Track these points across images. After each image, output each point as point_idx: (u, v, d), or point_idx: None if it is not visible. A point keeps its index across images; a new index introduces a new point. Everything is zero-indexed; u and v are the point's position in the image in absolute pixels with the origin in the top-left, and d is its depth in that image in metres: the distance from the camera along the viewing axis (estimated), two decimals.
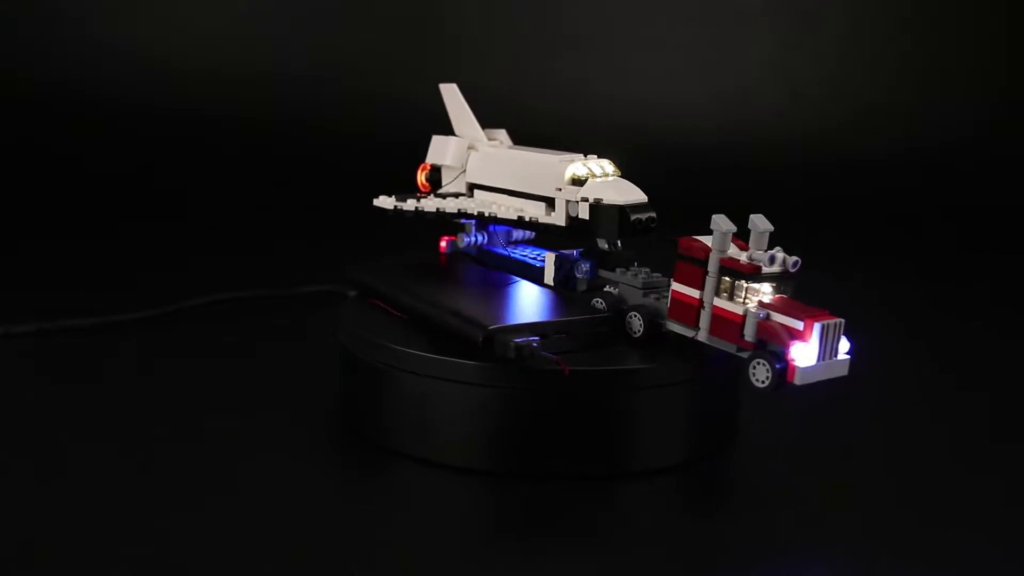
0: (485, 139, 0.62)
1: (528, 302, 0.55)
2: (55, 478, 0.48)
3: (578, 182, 0.55)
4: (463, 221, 0.62)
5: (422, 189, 0.64)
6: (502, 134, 0.63)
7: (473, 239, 0.63)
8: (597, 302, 0.53)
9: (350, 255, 0.61)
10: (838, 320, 0.45)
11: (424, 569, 0.41)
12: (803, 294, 0.47)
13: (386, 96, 1.33)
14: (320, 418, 0.56)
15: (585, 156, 0.56)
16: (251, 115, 1.37)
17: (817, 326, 0.44)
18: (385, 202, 0.60)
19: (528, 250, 0.62)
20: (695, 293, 0.48)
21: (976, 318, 0.85)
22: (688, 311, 0.48)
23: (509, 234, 0.63)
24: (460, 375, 0.49)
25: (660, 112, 1.44)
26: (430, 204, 0.59)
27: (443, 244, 0.64)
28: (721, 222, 0.47)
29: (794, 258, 0.46)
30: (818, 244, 1.11)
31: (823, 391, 0.64)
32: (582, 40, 1.50)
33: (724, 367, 0.52)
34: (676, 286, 0.49)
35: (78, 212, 1.13)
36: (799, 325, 0.44)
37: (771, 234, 0.47)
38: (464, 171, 0.61)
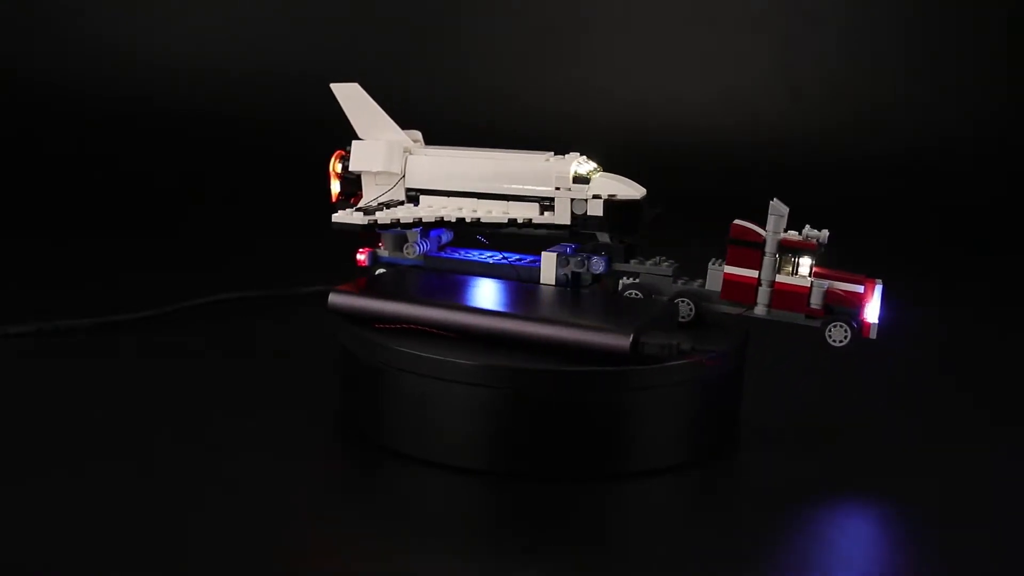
0: (411, 141, 0.59)
1: (596, 303, 0.54)
2: (54, 478, 0.48)
3: (582, 180, 0.55)
4: (414, 230, 0.59)
5: (334, 200, 0.60)
6: (418, 135, 0.60)
7: (421, 247, 0.59)
8: (633, 293, 0.55)
9: (350, 255, 0.61)
10: (880, 280, 0.52)
11: (424, 569, 0.41)
12: None
13: (386, 97, 1.33)
14: (320, 418, 0.56)
15: (554, 154, 0.57)
16: (251, 115, 1.37)
17: (878, 287, 0.51)
18: (354, 218, 0.56)
19: (476, 253, 0.60)
20: (752, 273, 0.52)
21: (977, 319, 0.85)
22: (745, 290, 0.53)
23: (440, 239, 0.61)
24: (460, 375, 0.48)
25: (660, 112, 1.44)
26: (406, 214, 0.57)
27: (362, 257, 0.60)
28: (779, 207, 0.52)
29: (826, 231, 0.52)
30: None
31: (821, 391, 0.64)
32: (582, 40, 1.50)
33: (724, 367, 0.52)
34: (730, 269, 0.53)
35: (77, 212, 1.13)
36: (860, 288, 0.51)
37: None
38: (403, 177, 0.58)
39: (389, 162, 0.58)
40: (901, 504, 0.49)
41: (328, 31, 1.47)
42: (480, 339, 0.50)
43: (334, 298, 0.54)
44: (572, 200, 0.55)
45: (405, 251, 0.59)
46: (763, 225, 0.52)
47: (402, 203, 0.58)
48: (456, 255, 0.60)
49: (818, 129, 1.42)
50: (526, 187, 0.56)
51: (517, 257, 0.59)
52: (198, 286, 0.78)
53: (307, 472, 0.50)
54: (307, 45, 1.46)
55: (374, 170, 0.58)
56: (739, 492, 0.50)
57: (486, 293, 0.54)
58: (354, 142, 0.59)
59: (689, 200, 0.64)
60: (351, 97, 0.59)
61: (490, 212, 0.57)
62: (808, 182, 1.32)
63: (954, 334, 0.80)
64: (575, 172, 0.55)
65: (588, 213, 0.55)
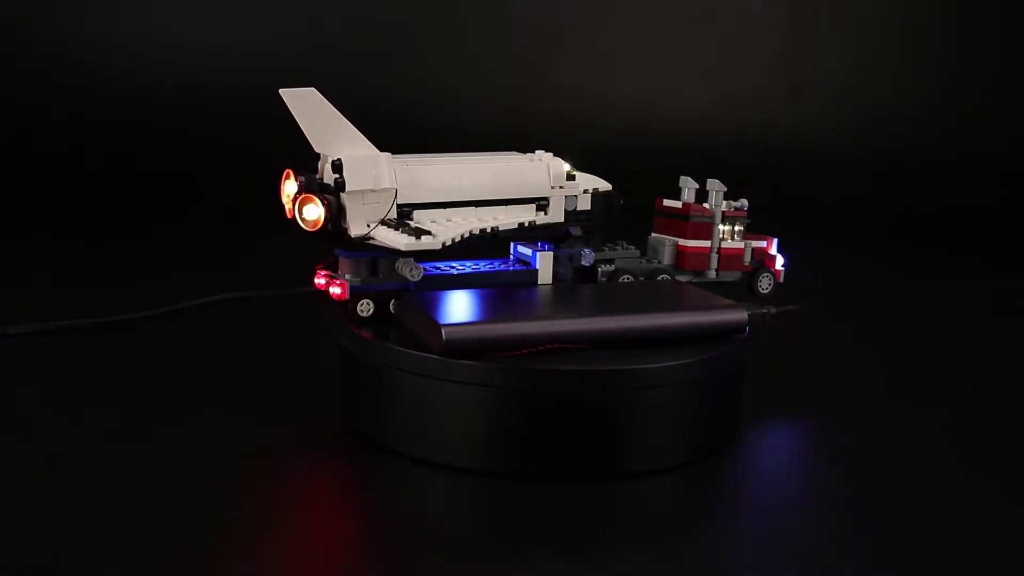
0: (378, 151, 0.53)
1: (635, 290, 0.58)
2: (54, 478, 0.48)
3: (571, 176, 0.57)
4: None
5: (313, 228, 0.51)
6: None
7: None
8: (627, 278, 0.59)
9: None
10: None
11: (424, 569, 0.41)
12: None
13: (385, 98, 1.33)
14: (320, 418, 0.56)
15: (517, 153, 0.57)
16: (251, 115, 1.37)
17: (775, 241, 0.64)
18: (424, 242, 0.50)
19: (444, 265, 0.57)
20: (706, 243, 0.61)
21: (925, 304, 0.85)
22: (701, 259, 0.61)
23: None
24: (460, 375, 0.48)
25: (660, 112, 1.44)
26: (450, 231, 0.52)
27: (338, 291, 0.52)
28: (717, 184, 0.62)
29: (744, 200, 0.63)
30: (818, 244, 1.12)
31: (820, 390, 0.64)
32: (582, 40, 1.50)
33: (724, 367, 0.52)
34: (689, 242, 0.61)
35: (77, 212, 1.13)
36: (764, 244, 0.63)
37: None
38: (396, 192, 0.52)
39: (387, 177, 0.52)
40: (902, 502, 0.49)
41: (328, 32, 1.47)
42: (610, 343, 0.51)
43: (452, 332, 0.48)
44: (565, 197, 0.57)
45: (412, 274, 0.53)
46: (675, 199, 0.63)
47: (395, 220, 0.52)
48: (438, 271, 0.56)
49: (818, 129, 1.42)
50: (520, 191, 0.56)
51: (488, 262, 0.58)
52: (198, 286, 0.78)
53: (307, 472, 0.50)
54: (307, 46, 1.46)
55: (378, 187, 0.51)
56: (739, 492, 0.50)
57: (552, 299, 0.55)
58: (346, 157, 0.51)
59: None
60: (307, 104, 0.51)
61: (497, 218, 0.55)
62: (808, 182, 1.32)
63: (954, 334, 0.80)
64: (567, 170, 0.57)
65: (577, 208, 0.57)
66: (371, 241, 0.51)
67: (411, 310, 0.51)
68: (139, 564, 0.40)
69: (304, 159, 0.53)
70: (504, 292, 0.55)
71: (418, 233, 0.51)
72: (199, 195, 1.22)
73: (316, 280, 0.54)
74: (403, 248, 0.50)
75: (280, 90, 0.51)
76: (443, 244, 0.51)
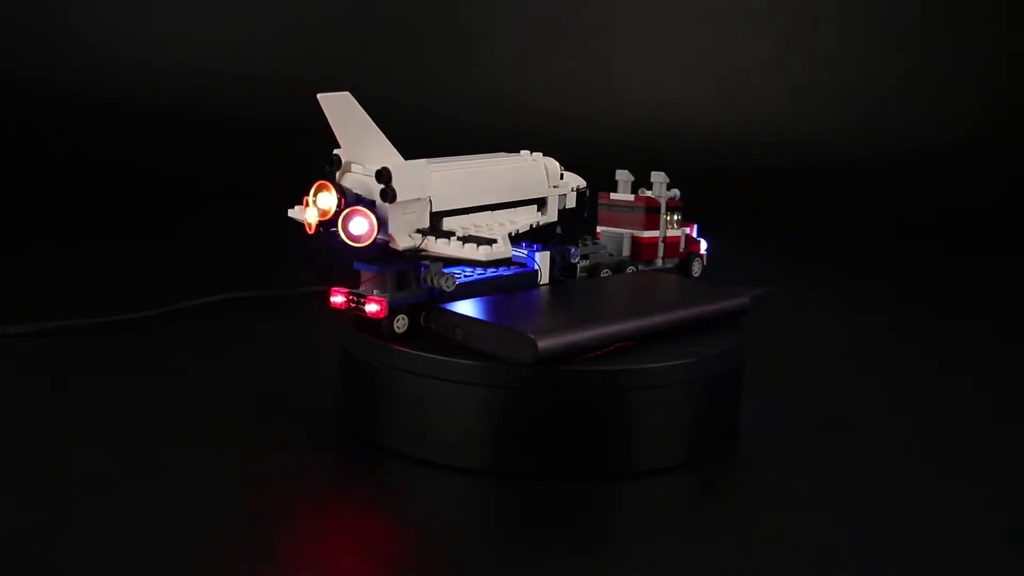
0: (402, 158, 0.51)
1: (630, 281, 0.60)
2: (54, 478, 0.48)
3: (561, 175, 0.57)
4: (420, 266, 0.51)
5: (357, 241, 0.48)
6: None
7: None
8: (605, 271, 0.61)
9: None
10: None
11: (424, 569, 0.41)
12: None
13: (385, 98, 1.33)
14: (320, 418, 0.56)
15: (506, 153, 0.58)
16: (251, 115, 1.37)
17: (695, 226, 0.68)
18: (500, 251, 0.49)
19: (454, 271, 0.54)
20: (657, 233, 0.64)
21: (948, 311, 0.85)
22: (653, 248, 0.65)
23: None
24: (460, 375, 0.48)
25: (660, 112, 1.44)
26: (501, 232, 0.52)
27: (376, 308, 0.49)
28: (661, 176, 0.65)
29: (676, 190, 0.66)
30: (818, 244, 1.12)
31: (820, 389, 0.64)
32: (582, 40, 1.50)
33: (724, 367, 0.52)
34: (645, 233, 0.64)
35: (77, 212, 1.13)
36: (688, 230, 0.67)
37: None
38: (431, 200, 0.51)
39: (428, 184, 0.50)
40: (902, 502, 0.49)
41: (328, 33, 1.47)
42: (656, 337, 0.52)
43: (546, 343, 0.47)
44: (559, 196, 0.57)
45: (447, 284, 0.51)
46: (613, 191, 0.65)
47: (431, 229, 0.50)
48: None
49: (818, 129, 1.42)
50: (526, 192, 0.56)
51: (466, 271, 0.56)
52: (198, 286, 0.78)
53: (307, 473, 0.50)
54: (307, 46, 1.46)
55: (424, 195, 0.50)
56: (739, 492, 0.50)
57: (596, 298, 0.56)
58: (393, 166, 0.48)
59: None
60: (341, 109, 0.49)
61: (513, 220, 0.55)
62: (808, 182, 1.33)
63: (950, 336, 0.80)
64: (560, 169, 0.57)
65: (566, 207, 0.58)
66: (424, 253, 0.50)
67: (467, 322, 0.49)
68: (139, 564, 0.40)
69: (302, 161, 0.53)
70: (538, 294, 0.55)
71: (487, 242, 0.49)
72: (199, 195, 1.22)
73: (333, 299, 0.51)
74: (483, 258, 0.49)
75: (317, 95, 0.48)
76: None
